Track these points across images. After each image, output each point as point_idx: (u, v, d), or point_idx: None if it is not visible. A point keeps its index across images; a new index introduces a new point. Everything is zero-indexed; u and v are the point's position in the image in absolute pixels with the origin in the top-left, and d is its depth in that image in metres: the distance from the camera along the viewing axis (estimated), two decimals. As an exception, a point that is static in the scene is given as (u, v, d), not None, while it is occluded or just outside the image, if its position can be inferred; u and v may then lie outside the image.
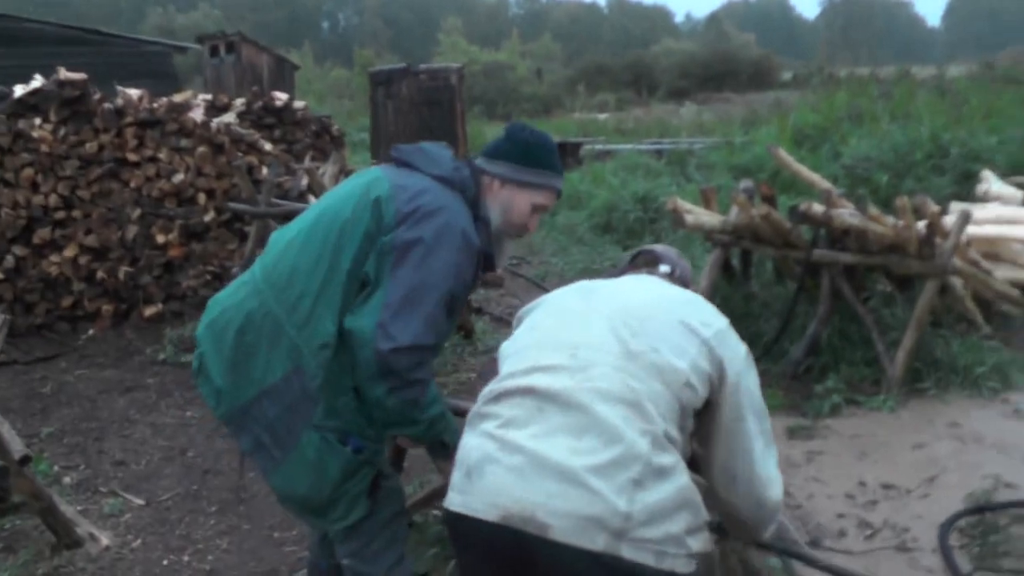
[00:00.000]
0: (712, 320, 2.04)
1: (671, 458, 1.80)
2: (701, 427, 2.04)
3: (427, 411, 2.23)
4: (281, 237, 2.41)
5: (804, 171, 6.60)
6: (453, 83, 14.61)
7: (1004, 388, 5.05)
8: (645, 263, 2.46)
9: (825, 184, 6.18)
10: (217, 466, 4.77)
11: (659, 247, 2.54)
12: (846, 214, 5.29)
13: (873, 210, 5.26)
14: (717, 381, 1.97)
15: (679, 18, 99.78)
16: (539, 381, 1.89)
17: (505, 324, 6.47)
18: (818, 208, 5.29)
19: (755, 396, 2.05)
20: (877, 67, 22.58)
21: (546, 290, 2.24)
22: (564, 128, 21.11)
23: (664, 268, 2.40)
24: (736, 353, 2.03)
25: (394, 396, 2.15)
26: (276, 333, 2.23)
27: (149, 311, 7.21)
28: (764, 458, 2.07)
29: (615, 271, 2.49)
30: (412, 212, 2.21)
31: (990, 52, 42.08)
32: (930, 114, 12.72)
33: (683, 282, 2.38)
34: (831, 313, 5.56)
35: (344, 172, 7.33)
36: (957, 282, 5.54)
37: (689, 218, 5.96)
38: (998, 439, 4.41)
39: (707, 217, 6.17)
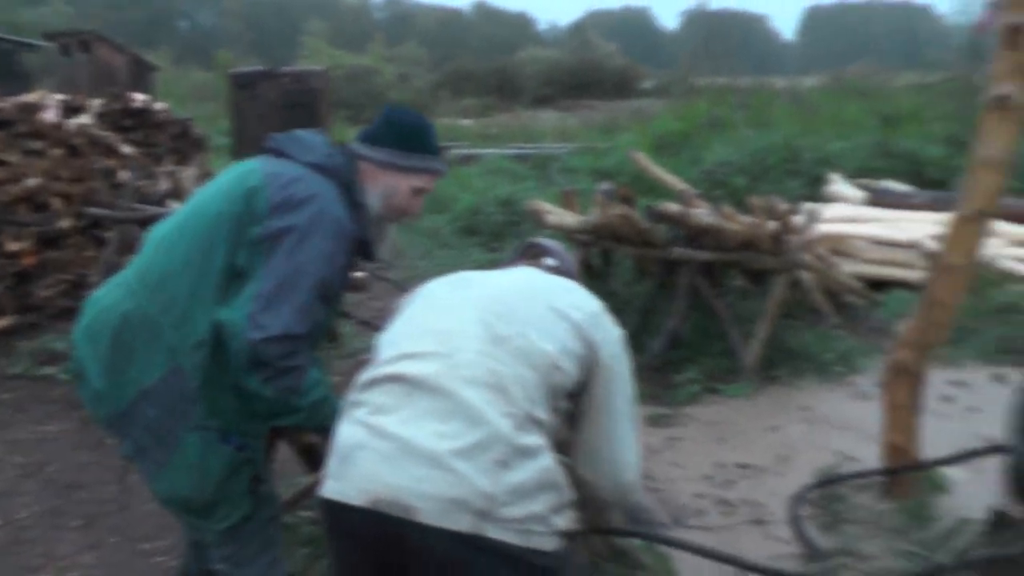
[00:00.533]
0: (584, 304, 2.11)
1: (535, 439, 1.85)
2: (575, 407, 2.10)
3: (307, 397, 2.20)
4: (154, 236, 2.35)
5: (661, 173, 6.85)
6: (317, 86, 14.39)
7: (850, 372, 5.41)
8: (532, 255, 2.51)
9: (682, 186, 6.44)
10: (81, 480, 4.59)
11: (547, 241, 2.60)
12: (701, 213, 5.53)
13: (728, 209, 5.53)
14: (590, 362, 2.04)
15: (543, 26, 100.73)
16: (408, 368, 1.94)
17: (371, 328, 6.48)
18: (674, 208, 5.51)
19: (626, 380, 2.13)
20: (736, 78, 23.36)
21: (409, 294, 2.26)
22: (429, 133, 20.70)
23: (550, 261, 2.46)
24: (609, 336, 2.10)
25: (270, 386, 2.13)
26: (152, 334, 2.19)
27: (0, 323, 6.91)
28: (626, 441, 2.15)
29: (504, 263, 2.53)
30: (284, 201, 2.18)
31: (842, 65, 44.12)
32: (784, 122, 13.38)
33: (567, 274, 2.42)
34: (689, 308, 5.80)
35: (206, 176, 7.18)
36: (806, 276, 5.87)
37: (550, 218, 6.12)
38: (844, 419, 4.73)
39: (568, 218, 6.34)
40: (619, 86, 40.66)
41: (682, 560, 3.13)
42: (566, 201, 6.64)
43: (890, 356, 3.76)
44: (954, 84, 16.32)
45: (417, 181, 2.44)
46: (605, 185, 6.28)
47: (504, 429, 1.82)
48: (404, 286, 8.26)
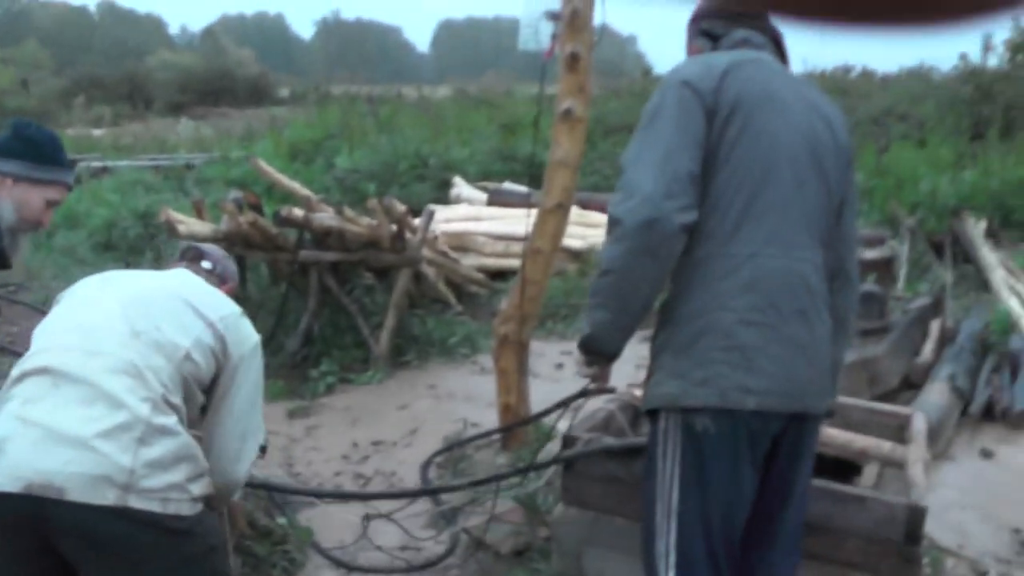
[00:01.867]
0: (222, 307, 2.33)
1: (171, 419, 2.08)
2: (208, 398, 2.30)
3: None
4: None
5: (284, 180, 7.08)
6: None
7: (473, 353, 6.01)
8: (190, 259, 2.64)
9: (304, 191, 6.73)
10: None
11: (206, 246, 2.75)
12: (325, 217, 5.87)
13: (350, 212, 5.91)
14: (222, 358, 2.26)
15: (174, 29, 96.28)
16: (53, 360, 2.10)
17: (6, 353, 6.18)
18: (299, 213, 5.81)
19: (252, 383, 2.35)
20: (372, 87, 24.06)
21: (46, 314, 2.36)
22: (56, 145, 19.39)
23: (206, 264, 2.62)
24: (243, 338, 2.32)
25: None
26: None
27: None
28: (239, 439, 2.34)
29: (165, 266, 2.67)
30: None
31: (472, 76, 46.45)
32: (414, 130, 14.05)
33: (222, 278, 2.61)
34: (321, 306, 6.13)
35: None
36: (429, 270, 6.40)
37: (182, 228, 6.18)
38: (467, 392, 5.29)
39: (199, 226, 6.42)
40: (254, 94, 40.04)
41: (322, 532, 3.47)
42: (196, 211, 6.71)
43: (496, 330, 4.31)
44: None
45: (49, 193, 2.56)
46: (234, 194, 6.44)
47: (142, 412, 2.02)
48: (39, 308, 7.86)
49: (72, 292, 2.39)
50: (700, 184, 2.01)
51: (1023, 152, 11.48)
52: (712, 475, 2.04)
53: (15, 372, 2.15)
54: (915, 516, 2.44)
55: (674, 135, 2.00)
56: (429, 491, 3.85)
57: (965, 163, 11.30)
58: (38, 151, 2.52)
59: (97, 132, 22.71)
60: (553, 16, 4.02)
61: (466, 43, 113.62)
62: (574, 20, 3.95)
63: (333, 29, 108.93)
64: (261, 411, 2.43)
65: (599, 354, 2.23)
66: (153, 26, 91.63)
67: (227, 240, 6.19)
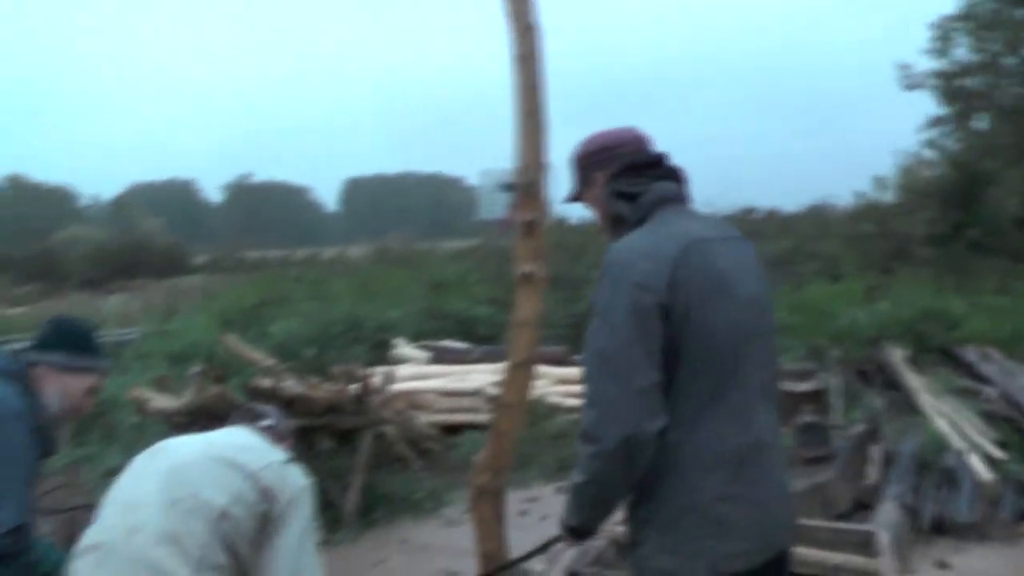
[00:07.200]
0: (266, 456, 2.58)
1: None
2: (261, 548, 2.50)
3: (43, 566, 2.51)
4: None
5: (248, 352, 7.36)
6: None
7: (439, 506, 6.28)
8: (249, 418, 2.88)
9: (268, 362, 7.00)
10: None
11: (261, 405, 3.03)
12: (291, 385, 6.15)
13: (312, 379, 6.21)
14: (268, 505, 2.49)
15: (85, 200, 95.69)
16: (103, 536, 2.39)
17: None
18: (267, 383, 6.08)
19: (301, 523, 2.55)
20: (285, 250, 24.54)
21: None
22: (-27, 329, 19.22)
23: (265, 422, 2.86)
24: (289, 483, 2.56)
25: (11, 569, 2.39)
26: None
27: None
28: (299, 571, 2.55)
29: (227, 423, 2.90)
30: None
31: (382, 233, 47.30)
32: (342, 294, 14.42)
33: (281, 435, 2.85)
34: (288, 471, 6.31)
35: None
36: (389, 430, 6.69)
37: (152, 404, 6.37)
38: (440, 544, 5.54)
39: (166, 401, 6.61)
40: (168, 264, 40.14)
41: None
42: (161, 386, 6.89)
43: (472, 482, 4.59)
44: (486, 251, 18.49)
45: (90, 380, 2.80)
46: (196, 368, 6.67)
47: (183, 574, 2.29)
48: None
49: (129, 466, 2.64)
50: (664, 385, 2.12)
51: (927, 283, 12.39)
52: None
53: (79, 545, 2.42)
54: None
55: (635, 346, 2.08)
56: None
57: (877, 295, 12.09)
58: (76, 342, 2.78)
59: (17, 310, 22.43)
60: (508, 187, 4.39)
61: (373, 200, 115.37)
62: (529, 190, 4.39)
63: (243, 192, 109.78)
64: (314, 553, 2.60)
65: (582, 535, 2.41)
66: (62, 198, 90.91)
67: (194, 414, 6.38)
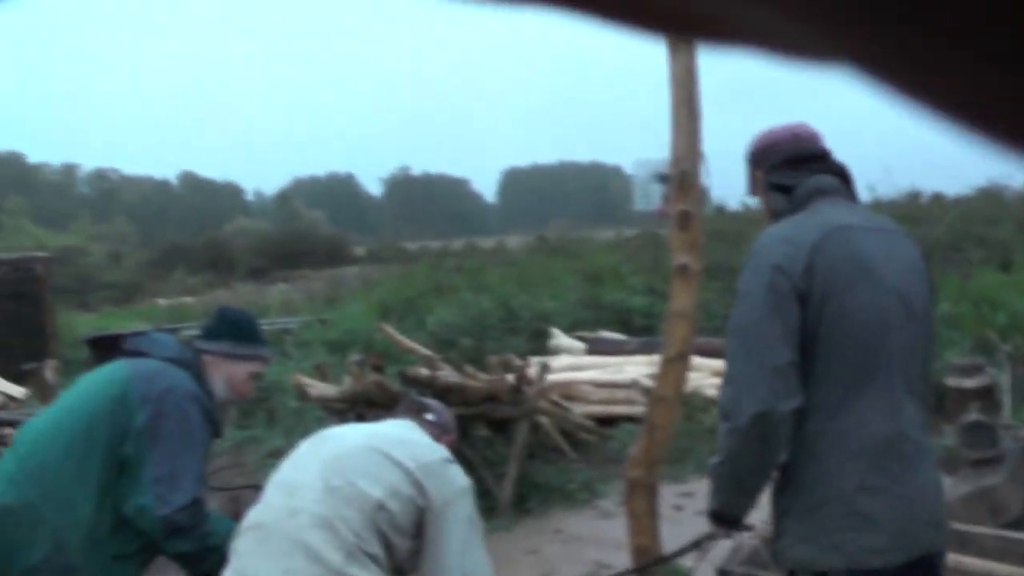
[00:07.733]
0: (424, 454, 2.58)
1: (367, 567, 2.37)
2: (417, 545, 2.54)
3: (215, 538, 2.61)
4: (30, 430, 2.70)
5: (405, 341, 7.56)
6: (39, 273, 13.59)
7: (593, 497, 6.27)
8: (413, 411, 2.92)
9: (425, 351, 7.17)
10: None
11: (427, 399, 3.08)
12: (447, 374, 6.27)
13: (469, 369, 6.31)
14: (422, 503, 2.50)
15: (250, 195, 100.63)
16: (265, 516, 2.48)
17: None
18: (423, 371, 6.21)
19: (462, 524, 2.54)
20: (444, 241, 25.01)
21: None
22: (153, 314, 20.54)
23: (429, 416, 2.90)
24: (446, 483, 2.54)
25: (190, 543, 2.56)
26: (35, 519, 2.49)
27: None
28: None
29: (390, 415, 2.98)
30: (152, 393, 2.60)
31: (541, 223, 47.56)
32: (499, 284, 14.55)
33: (444, 429, 2.88)
34: (445, 459, 6.45)
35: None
36: (545, 420, 6.73)
37: (312, 391, 6.63)
38: (594, 535, 5.52)
39: (325, 388, 6.87)
40: (330, 254, 41.41)
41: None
42: (321, 374, 7.16)
43: (627, 475, 4.57)
44: (643, 240, 18.28)
45: (252, 367, 2.94)
46: (356, 357, 6.89)
47: (335, 561, 2.34)
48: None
49: (295, 450, 2.74)
50: (801, 366, 2.11)
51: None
52: None
53: (243, 524, 2.53)
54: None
55: (771, 325, 2.10)
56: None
57: (1053, 284, 11.32)
58: (239, 331, 2.93)
59: (189, 300, 23.72)
60: (663, 178, 4.34)
61: (531, 189, 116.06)
62: (683, 181, 4.34)
63: (402, 185, 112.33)
64: (482, 552, 2.61)
65: (727, 523, 2.38)
66: (230, 192, 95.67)
67: (351, 400, 6.61)
